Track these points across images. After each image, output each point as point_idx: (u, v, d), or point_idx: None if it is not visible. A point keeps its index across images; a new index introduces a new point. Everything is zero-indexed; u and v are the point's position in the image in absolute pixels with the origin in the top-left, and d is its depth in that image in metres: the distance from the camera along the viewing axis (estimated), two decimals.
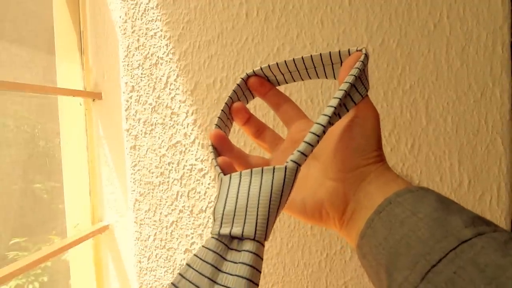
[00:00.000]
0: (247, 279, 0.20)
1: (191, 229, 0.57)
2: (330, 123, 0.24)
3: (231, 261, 0.21)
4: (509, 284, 0.16)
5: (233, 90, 0.32)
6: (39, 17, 0.89)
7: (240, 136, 0.55)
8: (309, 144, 0.23)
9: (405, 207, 0.22)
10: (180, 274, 0.21)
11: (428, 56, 0.52)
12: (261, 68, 0.32)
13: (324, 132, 0.24)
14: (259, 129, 0.34)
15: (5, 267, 0.53)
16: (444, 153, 0.52)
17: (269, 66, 0.31)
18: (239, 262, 0.21)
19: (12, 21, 0.88)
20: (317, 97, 0.54)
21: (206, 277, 0.20)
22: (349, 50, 0.28)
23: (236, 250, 0.21)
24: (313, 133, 0.23)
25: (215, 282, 0.20)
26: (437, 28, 0.52)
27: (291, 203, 0.29)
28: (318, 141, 0.23)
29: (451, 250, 0.19)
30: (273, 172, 0.22)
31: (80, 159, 0.75)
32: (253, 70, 0.32)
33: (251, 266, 0.20)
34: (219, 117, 0.30)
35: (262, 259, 0.22)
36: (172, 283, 0.20)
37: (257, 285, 0.21)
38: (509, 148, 0.52)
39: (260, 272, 0.21)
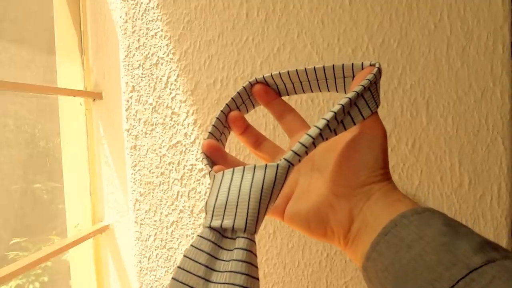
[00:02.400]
0: (246, 261, 0.21)
1: (191, 229, 0.57)
2: (330, 128, 0.24)
3: (226, 249, 0.22)
4: None
5: (232, 98, 0.31)
6: (39, 17, 0.89)
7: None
8: (303, 145, 0.23)
9: (411, 230, 0.21)
10: (178, 267, 0.21)
11: (429, 56, 0.52)
12: (271, 75, 0.31)
13: (321, 135, 0.23)
14: (257, 140, 0.32)
15: (5, 267, 0.53)
16: (444, 153, 0.52)
17: (279, 73, 0.30)
18: (235, 248, 0.21)
19: (12, 21, 0.88)
20: (317, 98, 0.54)
21: (202, 264, 0.21)
22: (362, 63, 0.27)
23: (230, 238, 0.22)
24: (309, 135, 0.23)
25: (212, 269, 0.21)
26: (437, 28, 0.52)
27: (295, 217, 0.28)
28: (313, 143, 0.23)
29: (461, 278, 0.18)
30: (265, 169, 0.23)
31: (80, 159, 0.75)
32: (256, 78, 0.31)
33: (246, 250, 0.21)
34: (213, 125, 0.30)
35: (255, 249, 0.22)
36: (172, 277, 0.21)
37: (256, 267, 0.21)
38: (509, 148, 0.52)
39: (256, 256, 0.22)
